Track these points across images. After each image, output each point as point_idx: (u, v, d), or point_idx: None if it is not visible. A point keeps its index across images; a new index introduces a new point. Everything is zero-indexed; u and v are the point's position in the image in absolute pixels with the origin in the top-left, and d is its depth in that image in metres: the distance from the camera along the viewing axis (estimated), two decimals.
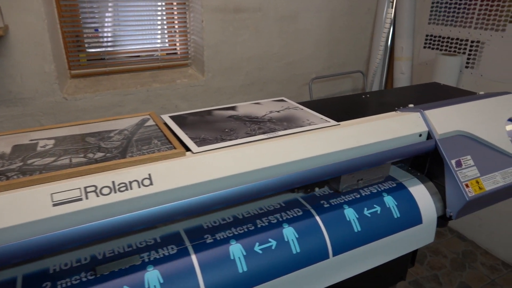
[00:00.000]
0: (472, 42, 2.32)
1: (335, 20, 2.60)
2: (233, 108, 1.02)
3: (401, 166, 1.04)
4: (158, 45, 2.25)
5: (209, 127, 0.88)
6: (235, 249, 0.72)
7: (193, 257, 0.69)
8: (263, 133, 0.84)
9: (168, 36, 2.27)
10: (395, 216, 0.87)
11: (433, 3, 2.51)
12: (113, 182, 0.63)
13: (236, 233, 0.75)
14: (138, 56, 2.21)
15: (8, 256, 0.55)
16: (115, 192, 0.63)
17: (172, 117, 0.96)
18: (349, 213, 0.84)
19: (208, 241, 0.73)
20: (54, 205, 0.59)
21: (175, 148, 0.75)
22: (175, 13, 2.24)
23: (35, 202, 0.58)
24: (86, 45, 2.04)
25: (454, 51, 2.44)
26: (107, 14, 2.03)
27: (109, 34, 2.08)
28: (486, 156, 0.96)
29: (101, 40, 2.06)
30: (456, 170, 0.90)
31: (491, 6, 2.18)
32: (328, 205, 0.85)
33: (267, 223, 0.78)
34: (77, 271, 0.65)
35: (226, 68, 2.30)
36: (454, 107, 1.00)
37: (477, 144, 0.97)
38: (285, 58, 2.49)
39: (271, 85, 2.51)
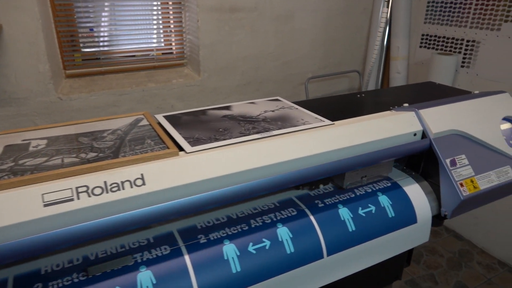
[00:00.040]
0: (468, 41, 2.32)
1: (331, 20, 2.60)
2: (227, 108, 1.02)
3: (396, 166, 1.04)
4: (154, 45, 2.24)
5: (203, 127, 0.87)
6: (229, 249, 0.72)
7: (186, 258, 0.69)
8: (257, 132, 0.84)
9: (164, 36, 2.27)
10: (390, 216, 0.87)
11: (428, 2, 2.52)
12: (105, 182, 0.63)
13: (230, 233, 0.75)
14: (134, 55, 2.20)
15: None
16: (107, 192, 0.62)
17: (166, 117, 0.95)
18: (344, 212, 0.83)
19: (202, 241, 0.72)
20: (45, 205, 0.58)
21: (168, 148, 0.75)
22: (171, 12, 2.23)
23: (25, 203, 0.58)
24: (81, 45, 2.03)
25: (450, 51, 2.44)
26: (102, 14, 2.03)
27: (104, 34, 2.07)
28: (480, 155, 0.96)
29: (96, 39, 2.06)
30: (451, 169, 0.90)
31: (486, 5, 2.18)
32: (322, 204, 0.85)
33: (261, 223, 0.78)
34: (69, 272, 0.65)
35: (222, 67, 2.29)
36: (449, 106, 1.00)
37: (472, 143, 0.97)
38: (281, 58, 2.49)
39: (267, 84, 2.50)
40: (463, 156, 0.93)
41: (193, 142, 0.78)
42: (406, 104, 1.03)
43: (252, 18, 2.27)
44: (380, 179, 0.95)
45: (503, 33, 2.13)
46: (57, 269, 0.65)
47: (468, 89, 1.24)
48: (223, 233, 0.75)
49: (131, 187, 0.64)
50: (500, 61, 2.17)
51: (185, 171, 0.69)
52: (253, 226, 0.77)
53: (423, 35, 2.61)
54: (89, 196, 0.61)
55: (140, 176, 0.65)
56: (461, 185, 0.89)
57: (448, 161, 0.90)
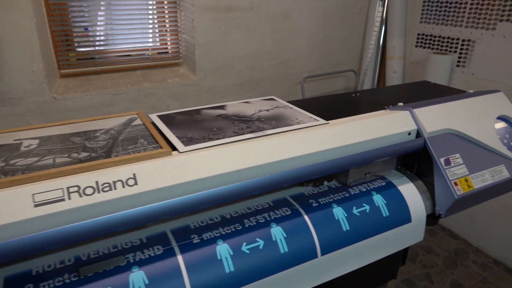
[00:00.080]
0: (463, 40, 2.33)
1: (327, 19, 2.60)
2: (222, 107, 1.02)
3: None
4: (149, 44, 2.24)
5: (197, 126, 0.87)
6: (222, 249, 0.71)
7: (179, 258, 0.68)
8: (251, 132, 0.83)
9: (159, 35, 2.26)
10: (384, 215, 0.87)
11: (424, 2, 2.52)
12: (96, 182, 0.62)
13: (223, 233, 0.74)
14: (129, 55, 2.19)
15: None
16: (99, 192, 0.62)
17: (160, 117, 0.95)
18: (338, 212, 0.83)
19: (195, 241, 0.72)
20: (36, 205, 0.58)
21: (161, 147, 0.74)
22: (166, 12, 2.23)
23: (16, 203, 0.57)
24: (76, 44, 2.03)
25: (446, 50, 2.45)
26: (97, 13, 2.02)
27: (99, 33, 2.06)
28: (475, 154, 0.96)
29: (91, 39, 2.05)
30: (445, 168, 0.90)
31: (482, 5, 2.19)
32: (316, 204, 0.84)
33: (255, 223, 0.77)
34: (60, 273, 0.64)
35: (217, 67, 2.29)
36: (443, 105, 1.00)
37: (466, 142, 0.97)
38: (277, 57, 2.49)
39: (263, 84, 2.50)
40: (457, 155, 0.93)
41: (187, 141, 0.78)
42: (400, 104, 1.03)
43: (247, 18, 2.27)
44: (375, 178, 0.95)
45: (498, 32, 2.13)
46: (49, 269, 0.65)
47: (463, 88, 1.24)
48: (217, 233, 0.74)
49: (123, 187, 0.63)
50: (495, 61, 2.18)
51: (178, 171, 0.68)
52: (246, 225, 0.77)
53: (419, 34, 2.61)
54: (81, 196, 0.60)
55: (132, 176, 0.65)
56: (455, 184, 0.89)
57: (442, 160, 0.90)
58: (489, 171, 0.95)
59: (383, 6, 2.50)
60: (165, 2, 2.20)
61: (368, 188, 0.91)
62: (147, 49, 2.23)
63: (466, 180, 0.91)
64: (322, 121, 0.90)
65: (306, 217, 0.80)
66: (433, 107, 0.98)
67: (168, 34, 2.28)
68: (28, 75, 1.76)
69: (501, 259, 2.35)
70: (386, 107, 1.01)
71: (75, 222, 0.59)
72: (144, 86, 2.10)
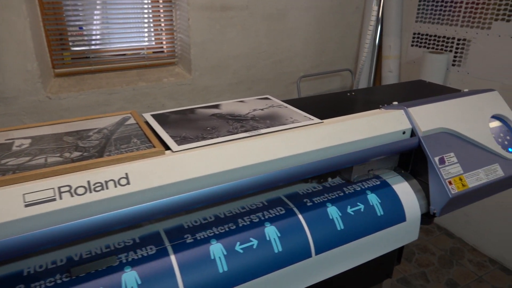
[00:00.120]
0: (459, 40, 2.33)
1: (323, 18, 2.60)
2: (216, 106, 1.01)
3: None
4: (145, 44, 2.23)
5: (191, 126, 0.87)
6: (216, 248, 0.71)
7: (172, 257, 0.68)
8: (245, 131, 0.83)
9: (155, 34, 2.25)
10: (379, 214, 0.87)
11: (420, 1, 2.52)
12: (88, 181, 0.62)
13: (217, 232, 0.74)
14: (124, 54, 2.18)
15: None
16: (91, 192, 0.61)
17: (154, 116, 0.94)
18: (332, 211, 0.83)
19: (188, 241, 0.71)
20: (26, 205, 0.57)
21: (154, 146, 0.74)
22: (161, 11, 2.22)
23: (6, 203, 0.56)
24: (71, 44, 2.02)
25: (441, 49, 2.45)
26: (91, 12, 2.01)
27: (94, 32, 2.05)
28: (469, 153, 0.96)
29: (85, 38, 2.04)
30: (440, 167, 0.90)
31: (477, 4, 2.19)
32: (311, 203, 0.84)
33: (248, 222, 0.77)
34: (52, 273, 0.64)
35: (213, 66, 2.28)
36: (438, 104, 1.00)
37: (461, 141, 0.97)
38: (273, 57, 2.49)
39: (259, 83, 2.50)
40: (452, 154, 0.93)
41: (180, 141, 0.78)
42: (395, 103, 1.02)
43: (243, 17, 2.26)
44: (369, 177, 0.95)
45: (493, 31, 2.14)
46: (40, 270, 0.64)
47: (459, 87, 1.24)
48: (210, 233, 0.74)
49: (115, 186, 0.63)
50: (490, 60, 2.19)
51: (171, 170, 0.68)
52: (240, 225, 0.76)
53: (414, 34, 2.61)
54: (72, 196, 0.60)
55: (124, 176, 0.64)
56: (450, 183, 0.89)
57: (437, 159, 0.90)
58: (483, 170, 0.95)
59: (378, 5, 2.51)
60: (160, 1, 2.19)
61: (363, 187, 0.91)
62: (142, 48, 2.22)
63: (460, 179, 0.90)
64: (316, 120, 0.90)
65: (300, 216, 0.80)
66: (428, 106, 0.98)
67: (164, 33, 2.28)
68: (22, 75, 1.75)
69: (496, 258, 2.36)
70: (381, 106, 1.01)
71: (66, 222, 0.58)
72: (139, 86, 2.09)
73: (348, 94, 1.23)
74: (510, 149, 1.01)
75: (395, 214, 0.89)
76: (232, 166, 0.71)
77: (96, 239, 0.71)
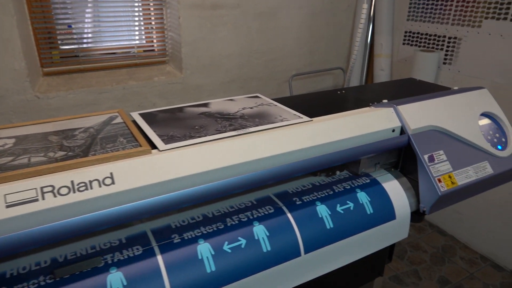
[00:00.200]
0: (450, 38, 2.34)
1: (315, 17, 2.59)
2: (205, 105, 1.00)
3: None
4: (135, 42, 2.21)
5: (178, 124, 0.86)
6: (203, 248, 0.70)
7: (159, 258, 0.67)
8: (234, 129, 0.82)
9: (145, 33, 2.23)
10: (368, 212, 0.87)
11: None
12: (72, 181, 0.60)
13: (204, 232, 0.73)
14: (114, 53, 2.16)
15: None
16: (74, 192, 0.60)
17: (142, 115, 0.93)
18: (322, 209, 0.82)
19: (176, 240, 0.71)
20: (8, 206, 0.56)
21: (140, 146, 0.73)
22: (152, 9, 2.20)
23: None
24: (59, 42, 1.99)
25: (433, 47, 2.46)
26: (80, 10, 1.98)
27: (83, 31, 2.03)
28: (458, 150, 0.96)
29: (75, 36, 2.01)
30: (429, 165, 0.90)
31: (467, 2, 2.20)
32: (300, 202, 0.83)
33: (237, 222, 0.76)
34: (35, 275, 0.62)
35: (204, 65, 2.27)
36: (428, 102, 0.99)
37: (450, 138, 0.96)
38: (265, 55, 2.48)
39: (251, 82, 2.49)
40: (441, 152, 0.93)
41: (167, 139, 0.77)
42: (385, 101, 1.02)
43: (234, 15, 2.25)
44: (359, 175, 0.95)
45: (483, 30, 2.15)
46: (23, 272, 0.63)
47: (450, 85, 1.24)
48: (198, 232, 0.73)
49: (100, 186, 0.62)
50: (481, 58, 2.19)
51: (157, 170, 0.67)
52: (229, 224, 0.76)
53: (406, 32, 2.62)
54: (55, 196, 0.59)
55: (109, 175, 0.63)
56: (439, 180, 0.89)
57: (426, 157, 0.90)
58: (472, 168, 0.95)
59: (369, 4, 2.51)
60: None
61: (352, 186, 0.91)
62: (133, 47, 2.20)
63: (450, 177, 0.90)
64: (306, 118, 0.90)
65: (289, 215, 0.79)
66: (417, 104, 0.97)
67: (154, 32, 2.26)
68: (10, 74, 1.73)
69: (488, 255, 2.38)
70: (370, 104, 1.01)
71: (49, 223, 0.57)
72: (130, 84, 2.07)
73: (339, 92, 1.22)
74: (499, 147, 1.01)
75: (385, 212, 0.89)
76: (220, 165, 0.70)
77: (81, 239, 0.70)
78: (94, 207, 0.61)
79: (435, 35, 2.43)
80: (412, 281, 2.18)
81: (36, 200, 0.58)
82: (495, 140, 1.02)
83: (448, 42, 2.35)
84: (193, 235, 0.72)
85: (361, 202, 0.87)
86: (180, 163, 0.68)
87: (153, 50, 2.30)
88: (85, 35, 2.04)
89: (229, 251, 0.71)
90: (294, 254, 0.76)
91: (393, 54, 2.71)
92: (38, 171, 0.62)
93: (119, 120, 0.88)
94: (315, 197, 0.86)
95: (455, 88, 1.14)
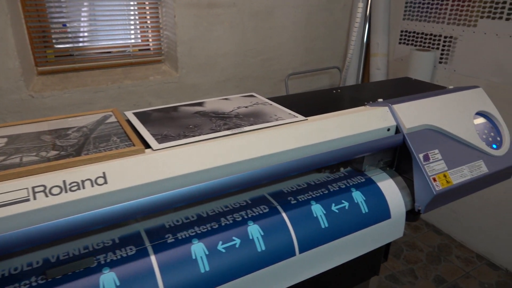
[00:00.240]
0: (445, 37, 2.34)
1: (311, 16, 2.59)
2: (200, 104, 1.00)
3: None
4: (130, 41, 2.20)
5: (173, 124, 0.85)
6: (197, 248, 0.70)
7: (152, 258, 0.66)
8: (228, 129, 0.82)
9: (140, 32, 2.22)
10: (363, 212, 0.86)
11: None
12: (64, 181, 0.60)
13: (199, 232, 0.73)
14: (109, 52, 2.15)
15: None
16: (66, 192, 0.59)
17: (136, 114, 0.92)
18: (316, 209, 0.82)
19: (169, 240, 0.70)
20: None
21: (134, 145, 0.72)
22: (147, 7, 2.19)
23: None
24: (54, 41, 1.98)
25: (428, 47, 2.46)
26: (75, 9, 1.97)
27: (78, 30, 2.01)
28: (454, 149, 0.96)
29: (69, 35, 2.00)
30: (424, 164, 0.89)
31: (463, 1, 2.20)
32: (295, 201, 0.83)
33: (231, 221, 0.76)
34: (27, 276, 0.62)
35: (200, 64, 2.26)
36: (423, 101, 0.99)
37: (445, 138, 0.96)
38: (261, 54, 2.47)
39: (247, 81, 2.48)
40: (436, 151, 0.92)
41: (161, 139, 0.76)
42: (380, 100, 1.02)
43: (230, 14, 2.25)
44: (354, 174, 0.95)
45: (479, 29, 2.15)
46: (15, 272, 0.62)
47: (446, 85, 1.24)
48: (192, 232, 0.72)
49: (92, 186, 0.61)
50: (476, 57, 2.20)
51: (151, 169, 0.66)
52: (223, 224, 0.75)
53: (402, 31, 2.62)
54: (47, 196, 0.58)
55: (102, 175, 0.62)
56: (434, 179, 0.88)
57: (421, 156, 0.90)
58: (467, 167, 0.95)
59: (365, 3, 2.51)
60: None
61: (348, 185, 0.90)
62: (128, 46, 2.19)
63: (445, 176, 0.90)
64: (301, 117, 0.89)
65: (284, 215, 0.79)
66: (412, 103, 0.97)
67: (150, 31, 2.25)
68: (3, 73, 1.71)
69: (483, 254, 2.38)
70: (366, 103, 1.01)
71: (41, 223, 0.57)
72: (125, 84, 2.06)
73: (334, 91, 1.22)
74: (494, 146, 1.01)
75: (380, 211, 0.89)
76: (214, 164, 0.70)
77: (74, 240, 0.69)
78: (87, 207, 0.60)
79: (431, 35, 2.43)
80: (408, 280, 2.18)
81: (28, 200, 0.57)
82: (490, 139, 1.02)
83: (444, 42, 2.35)
84: (187, 235, 0.72)
85: (356, 202, 0.87)
86: (174, 163, 0.68)
87: (148, 49, 2.29)
88: (80, 34, 2.02)
89: (223, 251, 0.71)
90: (289, 254, 0.76)
91: (389, 53, 2.72)
92: (29, 171, 0.61)
93: (113, 119, 0.88)
94: (310, 197, 0.85)
95: (450, 87, 1.14)
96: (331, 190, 0.88)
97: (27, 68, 1.85)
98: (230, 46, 2.32)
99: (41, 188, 0.58)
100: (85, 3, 1.98)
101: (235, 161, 0.71)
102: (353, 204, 0.86)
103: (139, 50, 2.25)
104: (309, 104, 1.09)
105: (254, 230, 0.75)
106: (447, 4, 2.29)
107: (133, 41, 2.21)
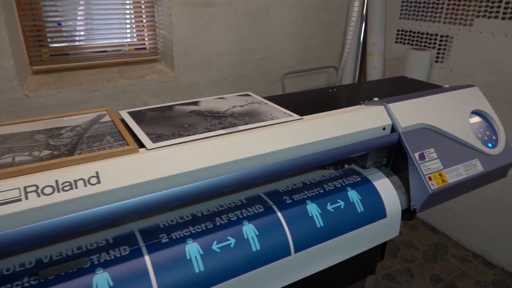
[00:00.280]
0: (442, 36, 2.35)
1: (307, 15, 2.59)
2: (195, 103, 0.99)
3: None
4: (126, 40, 2.19)
5: (167, 123, 0.85)
6: (192, 248, 0.69)
7: (146, 258, 0.66)
8: (223, 128, 0.81)
9: (136, 31, 2.21)
10: (359, 211, 0.86)
11: None
12: (56, 181, 0.59)
13: (193, 231, 0.72)
14: (105, 51, 2.14)
15: None
16: (59, 191, 0.59)
17: (130, 113, 0.92)
18: (312, 208, 0.82)
19: (164, 240, 0.70)
20: None
21: (128, 144, 0.72)
22: (143, 6, 2.18)
23: None
24: (49, 40, 1.97)
25: (425, 46, 2.46)
26: (70, 7, 1.96)
27: (73, 28, 2.00)
28: (449, 148, 0.96)
29: (64, 34, 1.99)
30: (419, 163, 0.89)
31: (459, 1, 2.20)
32: (290, 200, 0.83)
33: (226, 221, 0.76)
34: (20, 276, 0.61)
35: (196, 63, 2.26)
36: (418, 100, 0.99)
37: (441, 136, 0.96)
38: (257, 53, 2.47)
39: (243, 80, 2.48)
40: (432, 150, 0.92)
41: (155, 138, 0.76)
42: (376, 99, 1.02)
43: (226, 13, 2.24)
44: (349, 174, 0.94)
45: (475, 28, 2.15)
46: (7, 273, 0.62)
47: (442, 84, 1.24)
48: (187, 232, 0.72)
49: (85, 186, 0.61)
50: (472, 56, 2.20)
51: (145, 169, 0.66)
52: (218, 224, 0.75)
53: (398, 30, 2.62)
54: (39, 196, 0.57)
55: (95, 174, 0.62)
56: (430, 178, 0.88)
57: (416, 155, 0.90)
58: (463, 166, 0.95)
59: (360, 1, 2.51)
60: None
61: (343, 184, 0.90)
62: (124, 45, 2.18)
63: (440, 175, 0.90)
64: (296, 116, 0.89)
65: (279, 214, 0.79)
66: (408, 102, 0.97)
67: (145, 30, 2.24)
68: None
69: (479, 252, 2.39)
70: (361, 102, 1.00)
71: (33, 223, 0.56)
72: (121, 83, 2.05)
73: (330, 90, 1.22)
74: (490, 145, 1.01)
75: (376, 210, 0.89)
76: (208, 163, 0.69)
77: (67, 240, 0.69)
78: (79, 207, 0.60)
79: (427, 34, 2.43)
80: (405, 279, 2.18)
81: (19, 200, 0.56)
82: (486, 138, 1.02)
83: (440, 41, 2.36)
84: (182, 235, 0.71)
85: (351, 201, 0.87)
86: (168, 162, 0.67)
87: (144, 48, 2.28)
88: (75, 33, 2.01)
89: (218, 250, 0.70)
90: (284, 253, 0.75)
91: (386, 52, 2.72)
92: (21, 171, 0.60)
93: (107, 118, 0.87)
94: (305, 196, 0.85)
95: (446, 86, 1.14)
96: (327, 189, 0.88)
97: (22, 67, 1.84)
98: (226, 45, 2.32)
99: (33, 188, 0.58)
100: (81, 2, 1.97)
101: (230, 161, 0.71)
102: (349, 203, 0.86)
103: (135, 49, 2.24)
104: (305, 103, 1.09)
105: (249, 229, 0.75)
106: (443, 4, 2.30)
107: (129, 40, 2.20)
